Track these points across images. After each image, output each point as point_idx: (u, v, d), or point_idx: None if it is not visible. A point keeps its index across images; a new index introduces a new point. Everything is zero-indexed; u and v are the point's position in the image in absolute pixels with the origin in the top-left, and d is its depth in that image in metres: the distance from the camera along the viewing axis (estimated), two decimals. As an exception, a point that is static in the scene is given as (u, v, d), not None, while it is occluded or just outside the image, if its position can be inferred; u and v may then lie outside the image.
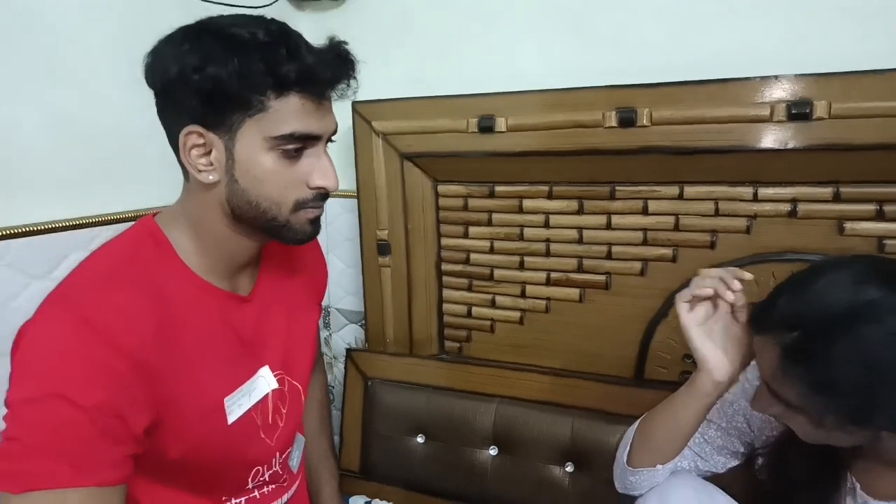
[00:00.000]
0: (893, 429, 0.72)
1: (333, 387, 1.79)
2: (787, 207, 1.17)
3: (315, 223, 0.82)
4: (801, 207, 1.17)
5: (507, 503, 1.34)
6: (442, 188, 1.49)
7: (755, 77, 1.11)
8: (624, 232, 1.32)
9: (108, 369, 0.66)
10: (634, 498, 0.97)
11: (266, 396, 0.86)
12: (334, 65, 0.74)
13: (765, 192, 1.18)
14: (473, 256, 1.49)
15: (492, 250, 1.47)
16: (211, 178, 0.76)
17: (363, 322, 1.66)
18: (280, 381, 0.89)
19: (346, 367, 1.57)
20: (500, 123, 1.32)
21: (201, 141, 0.74)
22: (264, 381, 0.86)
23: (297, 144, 0.75)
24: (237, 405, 0.81)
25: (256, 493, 0.89)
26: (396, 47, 1.51)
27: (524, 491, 1.33)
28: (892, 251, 1.11)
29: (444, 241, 1.51)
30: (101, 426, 0.65)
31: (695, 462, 0.95)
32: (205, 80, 0.70)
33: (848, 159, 1.09)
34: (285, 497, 0.94)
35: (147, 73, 0.76)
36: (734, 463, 0.96)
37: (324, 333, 1.79)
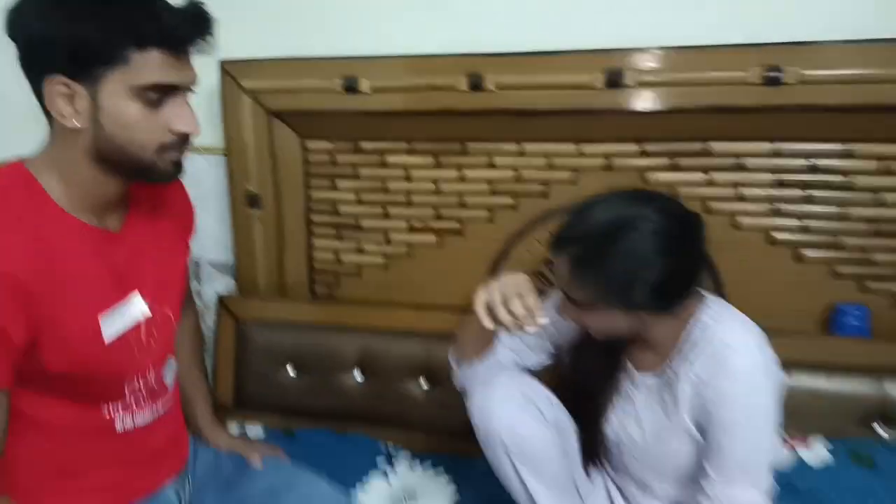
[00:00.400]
0: (653, 309, 0.96)
1: (206, 335, 1.84)
2: (603, 162, 1.41)
3: (178, 165, 0.89)
4: (615, 161, 1.41)
5: (373, 418, 1.52)
6: (309, 144, 1.58)
7: (581, 50, 1.32)
8: (474, 184, 1.51)
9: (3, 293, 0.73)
10: None
11: (139, 323, 0.94)
12: (192, 23, 0.81)
13: (586, 148, 1.42)
14: (341, 208, 1.61)
15: (358, 202, 1.59)
16: (76, 124, 0.81)
17: (234, 273, 1.73)
18: (153, 310, 0.96)
19: (217, 314, 1.64)
20: (365, 85, 1.44)
21: (66, 90, 0.79)
22: (136, 307, 0.93)
23: (159, 94, 0.82)
24: (112, 325, 0.89)
25: (133, 403, 0.97)
26: (265, 8, 1.55)
27: (387, 407, 1.51)
28: (684, 195, 1.39)
29: (313, 194, 1.62)
30: None
31: (513, 360, 1.17)
32: (69, 36, 0.76)
33: (650, 121, 1.34)
34: (159, 409, 1.02)
35: (9, 26, 0.79)
36: (547, 361, 1.19)
37: (195, 286, 1.82)
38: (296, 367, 1.58)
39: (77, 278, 0.85)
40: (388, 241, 1.60)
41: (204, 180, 1.71)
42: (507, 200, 1.50)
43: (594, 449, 1.15)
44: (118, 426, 0.95)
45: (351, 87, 1.45)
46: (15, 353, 0.77)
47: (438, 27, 1.45)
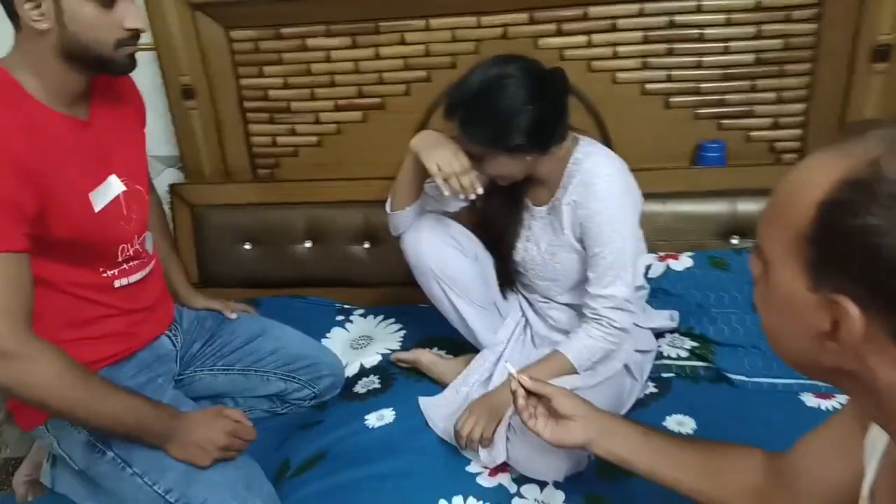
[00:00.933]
0: (532, 151, 1.19)
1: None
2: (500, 31, 1.60)
3: (132, 58, 1.05)
4: (510, 31, 1.60)
5: (323, 280, 1.76)
6: (233, 34, 1.70)
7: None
8: (389, 61, 1.68)
9: (8, 170, 0.91)
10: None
11: (119, 196, 1.12)
12: None
13: (484, 20, 1.60)
14: (271, 93, 1.76)
15: (285, 86, 1.75)
16: (44, 25, 0.95)
17: (180, 165, 1.88)
18: (127, 186, 1.14)
19: (171, 202, 1.82)
20: (279, -29, 1.55)
21: None
22: (115, 186, 1.12)
23: None
24: (99, 199, 1.07)
25: (125, 265, 1.16)
26: None
27: (335, 269, 1.76)
28: (570, 58, 1.60)
29: (243, 82, 1.75)
30: (5, 211, 0.91)
31: (436, 206, 1.41)
32: None
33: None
34: (147, 270, 1.23)
35: None
36: (464, 204, 1.43)
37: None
38: (251, 243, 1.79)
39: (65, 160, 1.02)
40: (318, 121, 1.77)
41: (138, 78, 1.82)
42: (421, 74, 1.68)
43: (508, 273, 1.42)
44: (116, 284, 1.15)
45: (266, -25, 1.56)
46: (28, 222, 0.94)
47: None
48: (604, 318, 1.22)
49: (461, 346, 1.45)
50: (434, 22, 1.62)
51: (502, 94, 1.14)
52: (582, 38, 1.60)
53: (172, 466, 1.05)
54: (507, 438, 1.16)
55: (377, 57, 1.68)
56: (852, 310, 0.47)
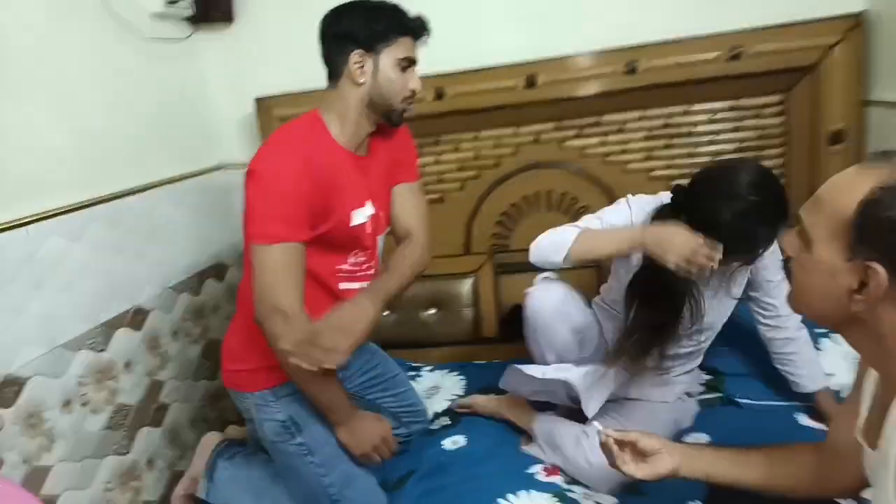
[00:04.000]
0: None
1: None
2: (533, 138, 2.06)
3: (404, 115, 1.40)
4: (541, 137, 2.05)
5: (398, 342, 2.11)
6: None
7: (506, 64, 1.95)
8: (447, 165, 2.13)
9: (307, 179, 1.26)
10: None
11: (370, 216, 1.42)
12: (423, 23, 1.37)
13: (520, 130, 2.06)
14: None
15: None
16: (362, 80, 1.32)
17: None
18: (376, 211, 1.44)
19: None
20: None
21: (360, 59, 1.31)
22: (369, 209, 1.41)
23: (407, 63, 1.35)
24: (356, 217, 1.38)
25: (351, 271, 1.43)
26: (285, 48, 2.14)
27: (409, 332, 2.11)
28: (589, 155, 2.03)
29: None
30: (306, 208, 1.26)
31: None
32: (369, 28, 1.32)
33: (560, 107, 1.98)
34: (363, 284, 1.45)
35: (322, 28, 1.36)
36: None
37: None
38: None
39: (342, 183, 1.34)
40: (390, 215, 2.21)
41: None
42: (472, 173, 2.13)
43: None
44: (342, 286, 1.43)
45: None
46: (311, 222, 1.28)
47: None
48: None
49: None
50: (482, 134, 2.08)
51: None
52: (597, 140, 2.04)
53: (339, 468, 1.37)
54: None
55: (437, 162, 2.14)
56: (882, 272, 0.72)
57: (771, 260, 1.49)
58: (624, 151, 2.03)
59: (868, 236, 0.73)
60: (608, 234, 1.44)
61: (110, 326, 1.68)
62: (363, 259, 1.45)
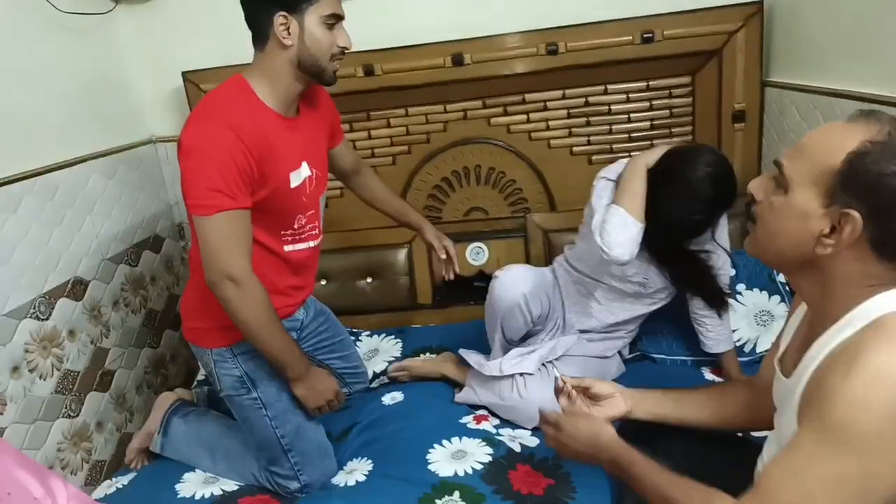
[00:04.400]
0: None
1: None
2: (461, 115, 2.15)
3: (336, 73, 1.39)
4: (469, 114, 2.15)
5: (336, 310, 2.21)
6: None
7: (434, 42, 2.03)
8: (378, 140, 2.21)
9: (240, 146, 1.26)
10: None
11: (307, 177, 1.43)
12: None
13: (449, 107, 2.15)
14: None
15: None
16: (289, 42, 1.30)
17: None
18: (313, 170, 1.45)
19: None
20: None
21: (284, 21, 1.29)
22: (305, 169, 1.42)
23: (333, 21, 1.33)
24: (294, 179, 1.39)
25: (297, 235, 1.47)
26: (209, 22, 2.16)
27: (345, 300, 2.21)
28: (515, 132, 2.14)
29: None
30: (242, 175, 1.27)
31: None
32: None
33: (486, 85, 2.08)
34: (312, 244, 1.52)
35: None
36: None
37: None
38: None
39: (276, 147, 1.35)
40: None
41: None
42: (403, 149, 2.21)
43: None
44: (286, 248, 1.47)
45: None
46: (251, 189, 1.30)
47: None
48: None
49: (441, 351, 1.94)
50: (412, 110, 2.16)
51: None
52: (522, 117, 2.15)
53: (292, 421, 1.48)
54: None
55: (368, 137, 2.21)
56: (858, 218, 0.77)
57: (719, 230, 1.63)
58: (547, 128, 2.15)
59: (851, 185, 0.78)
60: None
61: (52, 296, 1.73)
62: (305, 221, 1.50)
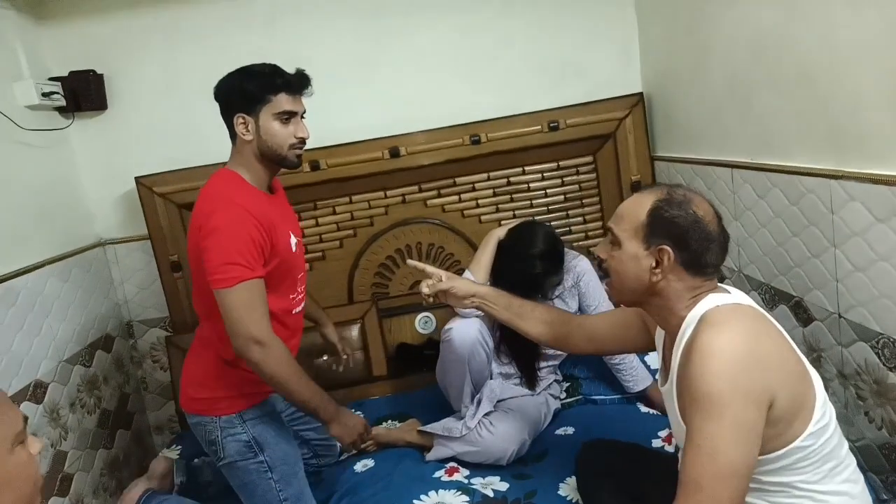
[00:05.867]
0: None
1: (156, 374, 2.50)
2: (400, 199, 2.40)
3: (299, 157, 1.55)
4: (407, 197, 2.40)
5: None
6: (209, 221, 2.36)
7: (375, 138, 2.29)
8: (326, 226, 2.41)
9: (251, 221, 1.41)
10: None
11: (297, 242, 1.60)
12: (301, 78, 1.53)
13: (389, 193, 2.40)
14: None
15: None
16: (248, 137, 1.49)
17: (164, 324, 2.43)
18: (296, 237, 1.61)
19: (168, 352, 2.33)
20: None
21: (244, 121, 1.48)
22: (294, 239, 1.58)
23: (287, 116, 1.49)
24: (294, 245, 1.57)
25: (298, 296, 1.62)
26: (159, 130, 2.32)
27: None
28: (449, 210, 2.41)
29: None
30: (258, 248, 1.42)
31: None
32: (244, 90, 1.48)
33: (421, 172, 2.35)
34: (304, 304, 1.68)
35: (216, 92, 1.51)
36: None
37: (130, 342, 2.48)
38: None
39: (274, 220, 1.51)
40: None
41: (135, 259, 2.41)
42: (349, 232, 2.42)
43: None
44: (294, 310, 1.62)
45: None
46: (265, 259, 1.45)
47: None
48: None
49: (401, 418, 2.10)
50: (356, 197, 2.40)
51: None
52: (455, 198, 2.43)
53: (294, 485, 1.56)
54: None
55: (316, 224, 2.40)
56: (670, 249, 1.09)
57: (588, 291, 1.99)
58: (477, 206, 2.44)
59: (657, 229, 1.11)
60: None
61: (15, 400, 1.74)
62: (301, 280, 1.66)
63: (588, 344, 1.49)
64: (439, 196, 2.42)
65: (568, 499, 1.61)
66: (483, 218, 2.45)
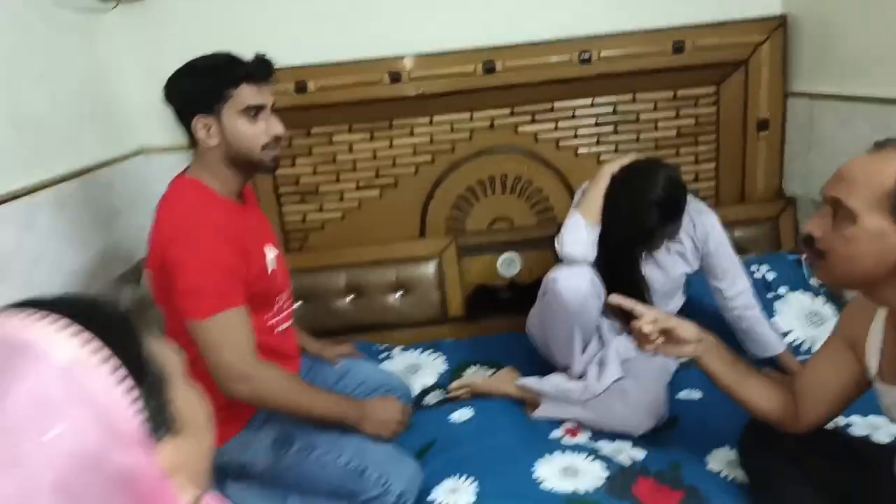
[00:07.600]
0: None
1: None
2: (488, 123, 2.10)
3: (276, 160, 1.34)
4: (496, 122, 2.10)
5: (363, 327, 2.09)
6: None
7: (465, 49, 1.97)
8: (400, 149, 2.12)
9: (222, 245, 1.23)
10: None
11: (275, 256, 1.41)
12: (262, 64, 1.31)
13: (476, 115, 2.09)
14: (302, 179, 2.15)
15: (314, 173, 2.14)
16: (213, 142, 1.27)
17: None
18: (275, 250, 1.42)
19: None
20: (311, 86, 1.98)
21: (205, 123, 1.26)
22: (271, 251, 1.40)
23: (255, 111, 1.31)
24: (269, 262, 1.37)
25: (280, 315, 1.43)
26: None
27: (374, 317, 2.10)
28: (542, 140, 2.10)
29: (279, 172, 2.12)
30: (228, 273, 1.23)
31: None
32: (198, 88, 1.27)
33: (515, 93, 2.03)
34: (291, 322, 1.49)
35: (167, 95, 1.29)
36: None
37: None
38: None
39: (245, 236, 1.32)
40: (342, 199, 2.17)
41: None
42: (426, 158, 2.13)
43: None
44: (276, 330, 1.42)
45: (301, 89, 1.99)
46: (243, 284, 1.27)
47: (363, 37, 2.02)
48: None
49: (486, 364, 1.86)
50: (437, 118, 2.09)
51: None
52: (550, 125, 2.11)
53: (348, 443, 1.34)
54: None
55: (390, 146, 2.12)
56: None
57: (717, 249, 1.66)
58: (575, 136, 2.13)
59: None
60: None
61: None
62: (284, 298, 1.47)
63: (824, 409, 1.16)
64: (533, 122, 2.11)
65: (722, 475, 1.37)
66: (580, 151, 2.14)
